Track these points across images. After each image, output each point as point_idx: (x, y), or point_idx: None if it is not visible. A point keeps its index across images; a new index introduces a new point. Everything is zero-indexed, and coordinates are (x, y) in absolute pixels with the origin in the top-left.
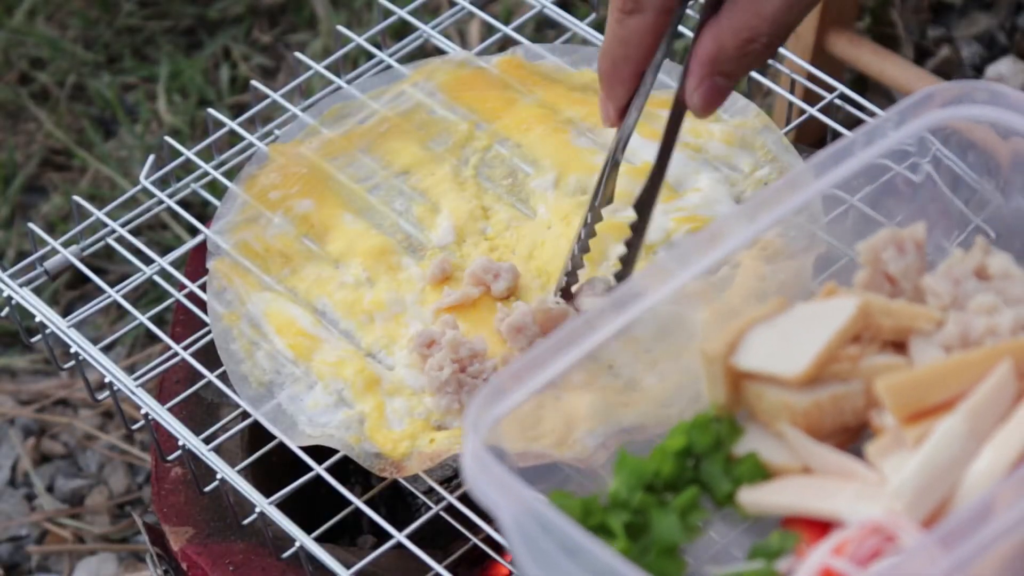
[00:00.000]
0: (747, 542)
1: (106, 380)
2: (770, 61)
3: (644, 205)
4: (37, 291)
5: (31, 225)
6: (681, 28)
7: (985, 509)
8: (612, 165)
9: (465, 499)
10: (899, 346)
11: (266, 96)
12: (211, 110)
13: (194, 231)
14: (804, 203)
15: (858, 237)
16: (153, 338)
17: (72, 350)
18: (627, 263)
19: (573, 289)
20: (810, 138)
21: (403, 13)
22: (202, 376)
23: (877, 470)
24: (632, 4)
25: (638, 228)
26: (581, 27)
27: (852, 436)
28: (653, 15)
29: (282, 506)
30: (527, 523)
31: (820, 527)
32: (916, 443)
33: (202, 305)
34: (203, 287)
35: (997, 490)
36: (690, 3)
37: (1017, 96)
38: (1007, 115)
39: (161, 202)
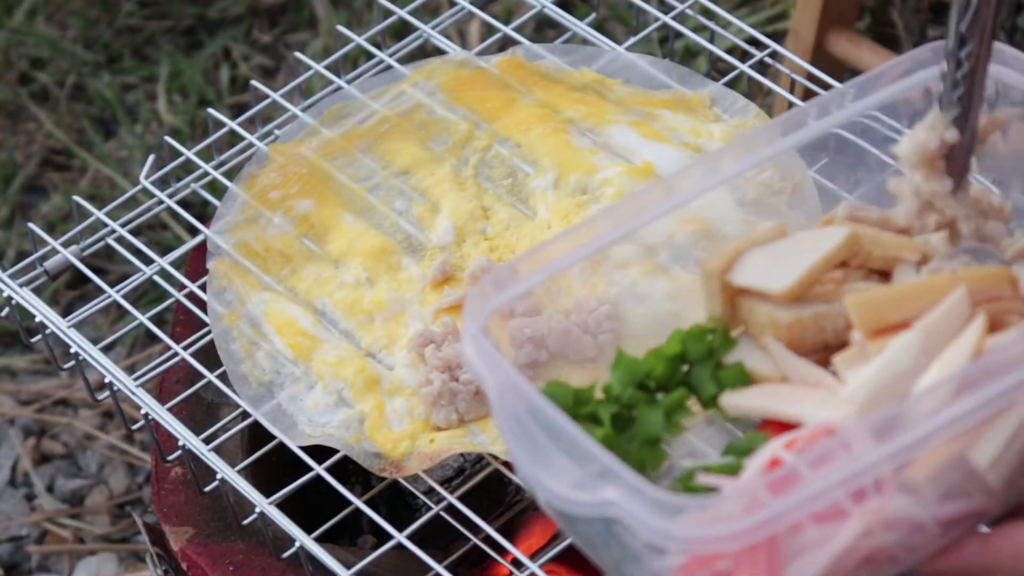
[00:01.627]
0: (724, 443)
1: (106, 380)
2: (770, 61)
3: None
4: (37, 291)
5: (31, 225)
6: (681, 28)
7: (921, 409)
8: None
9: (465, 499)
10: (885, 276)
11: (266, 96)
12: (211, 110)
13: (194, 231)
14: (760, 162)
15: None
16: (153, 338)
17: (72, 350)
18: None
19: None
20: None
21: (403, 13)
22: (202, 376)
23: (843, 381)
24: None
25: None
26: (581, 27)
27: (832, 354)
28: None
29: (282, 506)
30: (512, 400)
31: (789, 430)
32: (877, 355)
33: (202, 305)
34: (203, 287)
35: (935, 394)
36: None
37: (1013, 52)
38: (1003, 71)
39: (161, 202)
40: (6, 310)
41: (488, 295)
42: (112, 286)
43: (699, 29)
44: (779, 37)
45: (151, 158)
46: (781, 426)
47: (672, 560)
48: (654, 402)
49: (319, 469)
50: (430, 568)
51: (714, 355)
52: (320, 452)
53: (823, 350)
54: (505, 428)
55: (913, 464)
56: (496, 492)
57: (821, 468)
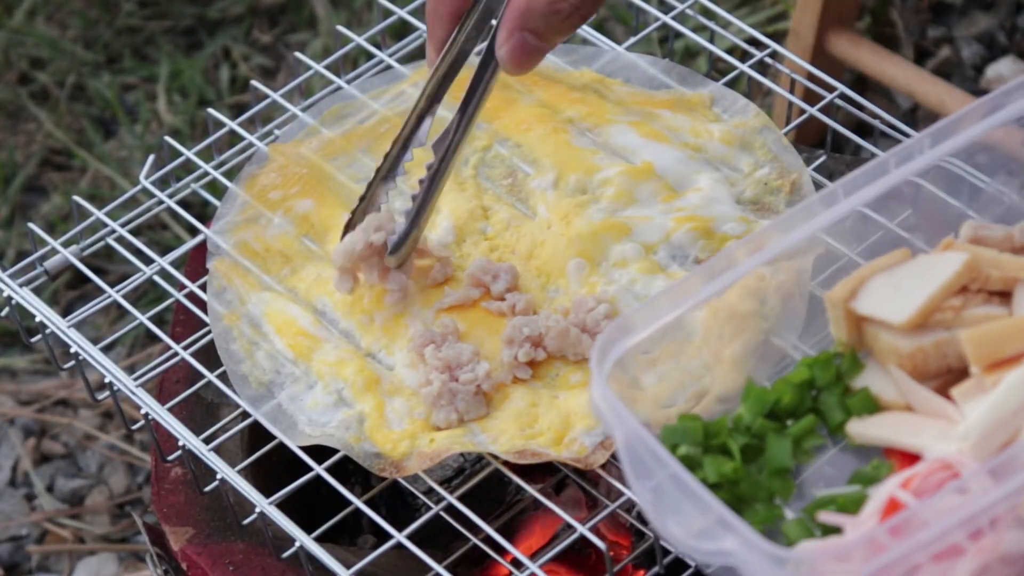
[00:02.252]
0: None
1: (106, 380)
2: (770, 61)
3: (446, 146)
4: (37, 291)
5: (31, 225)
6: (681, 28)
7: None
8: (425, 107)
9: (465, 499)
10: (1006, 296)
11: (266, 96)
12: (211, 110)
13: (194, 231)
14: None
15: (857, 238)
16: (153, 338)
17: (72, 350)
18: (421, 204)
19: (357, 226)
20: (810, 138)
21: (403, 13)
22: (202, 376)
23: (961, 412)
24: None
25: (437, 170)
26: (581, 27)
27: (956, 379)
28: None
29: (282, 506)
30: (638, 448)
31: (912, 460)
32: (993, 389)
33: (202, 305)
34: (203, 287)
35: None
36: None
37: None
38: None
39: (161, 202)
40: (6, 310)
41: (614, 342)
42: (112, 286)
43: (699, 29)
44: (779, 37)
45: (151, 158)
46: (904, 455)
47: None
48: (783, 431)
49: (319, 469)
50: (430, 568)
51: (842, 380)
52: (320, 452)
53: (947, 373)
54: (632, 475)
55: None
56: (496, 492)
57: (940, 511)
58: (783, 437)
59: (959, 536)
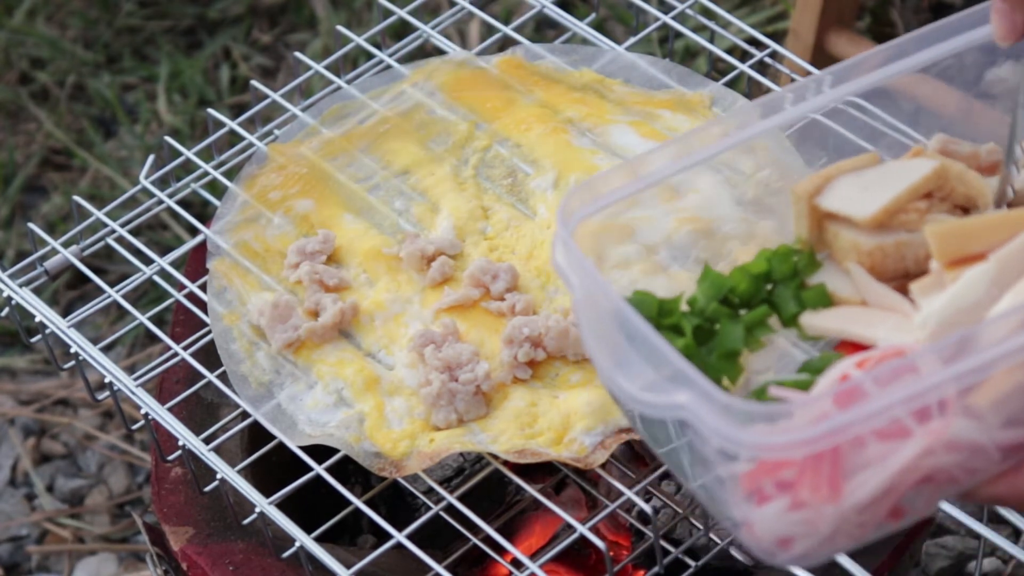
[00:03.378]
0: (799, 361)
1: (106, 380)
2: (769, 61)
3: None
4: (37, 291)
5: (31, 225)
6: (681, 28)
7: (989, 336)
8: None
9: (465, 499)
10: (967, 212)
11: (266, 96)
12: (211, 110)
13: (194, 231)
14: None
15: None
16: (153, 338)
17: (72, 350)
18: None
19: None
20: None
21: (403, 13)
22: (202, 376)
23: (918, 307)
24: None
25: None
26: (581, 27)
27: (911, 283)
28: None
29: (282, 506)
30: (597, 302)
31: (864, 352)
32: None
33: (202, 305)
34: (203, 287)
35: (1003, 322)
36: None
37: None
38: None
39: (161, 202)
40: (6, 310)
41: (582, 201)
42: (112, 286)
43: (699, 29)
44: (779, 37)
45: (151, 158)
46: (856, 348)
47: (740, 466)
48: (736, 317)
49: (319, 469)
50: (430, 568)
51: (798, 276)
52: (320, 452)
53: (903, 278)
54: (587, 331)
55: (978, 389)
56: (496, 492)
57: (887, 385)
58: (736, 322)
59: (903, 412)
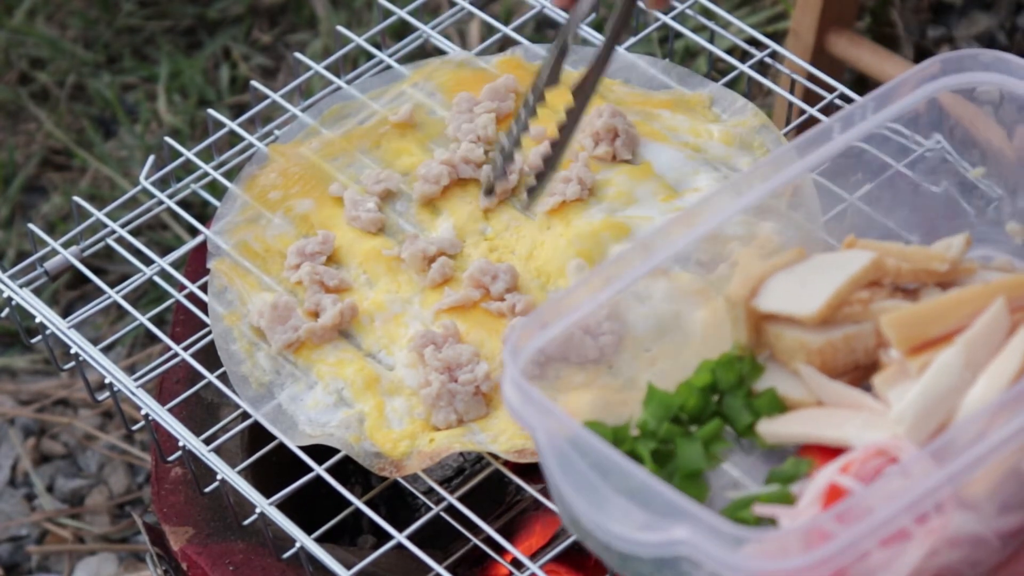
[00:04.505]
0: (763, 471)
1: (106, 380)
2: (770, 61)
3: (583, 90)
4: (37, 291)
5: (31, 225)
6: (681, 28)
7: (975, 428)
8: (561, 51)
9: (465, 499)
10: (910, 294)
11: (266, 96)
12: (211, 110)
13: (194, 231)
14: (788, 181)
15: (855, 235)
16: (153, 338)
17: (72, 350)
18: (558, 147)
19: (497, 189)
20: None
21: (403, 13)
22: (202, 376)
23: (883, 400)
24: None
25: (573, 114)
26: (581, 27)
27: (863, 374)
28: None
29: (282, 506)
30: (562, 444)
31: (832, 454)
32: (919, 373)
33: (202, 305)
34: (203, 287)
35: (988, 412)
36: None
37: (1020, 63)
38: (1011, 81)
39: (161, 202)
40: (6, 310)
41: (529, 335)
42: (112, 286)
43: (699, 29)
44: (779, 37)
45: (151, 158)
46: (823, 450)
47: None
48: (690, 435)
49: (319, 469)
50: (430, 568)
51: (744, 383)
52: (320, 452)
53: (854, 371)
54: (557, 473)
55: (971, 481)
56: (496, 492)
57: (885, 496)
58: (692, 440)
59: (906, 520)
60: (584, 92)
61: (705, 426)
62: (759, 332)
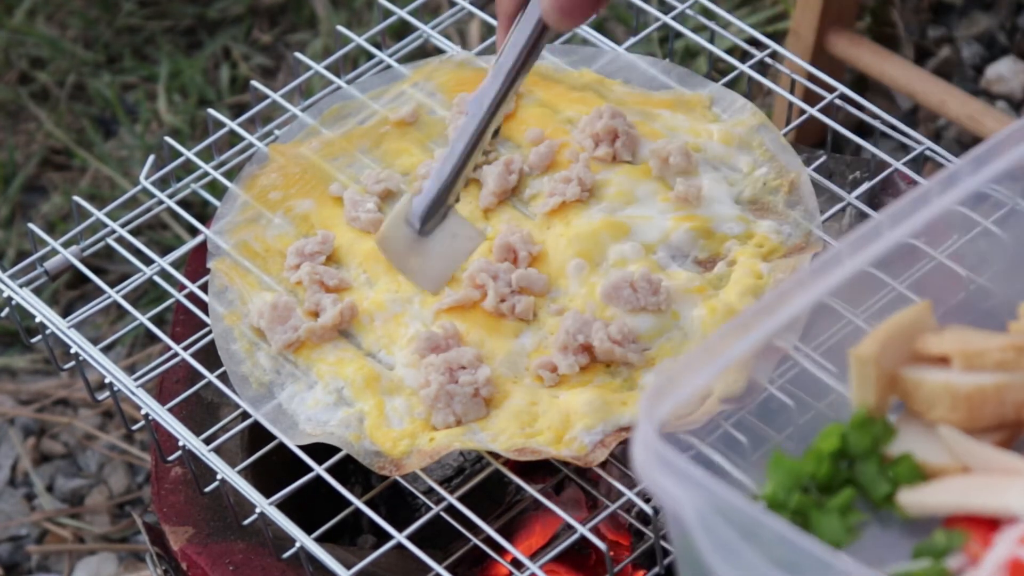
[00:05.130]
0: (901, 545)
1: (106, 380)
2: (770, 61)
3: (486, 107)
4: (37, 291)
5: (31, 225)
6: (681, 28)
7: None
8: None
9: (465, 499)
10: None
11: (266, 96)
12: (211, 110)
13: (194, 231)
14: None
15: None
16: (153, 338)
17: (72, 350)
18: (452, 165)
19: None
20: (810, 138)
21: (403, 13)
22: (202, 376)
23: None
24: None
25: (472, 131)
26: (581, 27)
27: (1008, 437)
28: None
29: (282, 506)
30: (708, 514)
31: (986, 525)
32: None
33: (202, 305)
34: (203, 287)
35: None
36: None
37: None
38: None
39: (161, 202)
40: (6, 310)
41: (665, 392)
42: (112, 286)
43: (699, 29)
44: (779, 37)
45: (151, 158)
46: (975, 522)
47: None
48: (823, 507)
49: (319, 469)
50: (430, 568)
51: (877, 448)
52: (320, 452)
53: (997, 429)
54: (709, 548)
55: None
56: (496, 492)
57: None
58: (828, 512)
59: None
60: (486, 112)
61: (837, 496)
62: (887, 390)
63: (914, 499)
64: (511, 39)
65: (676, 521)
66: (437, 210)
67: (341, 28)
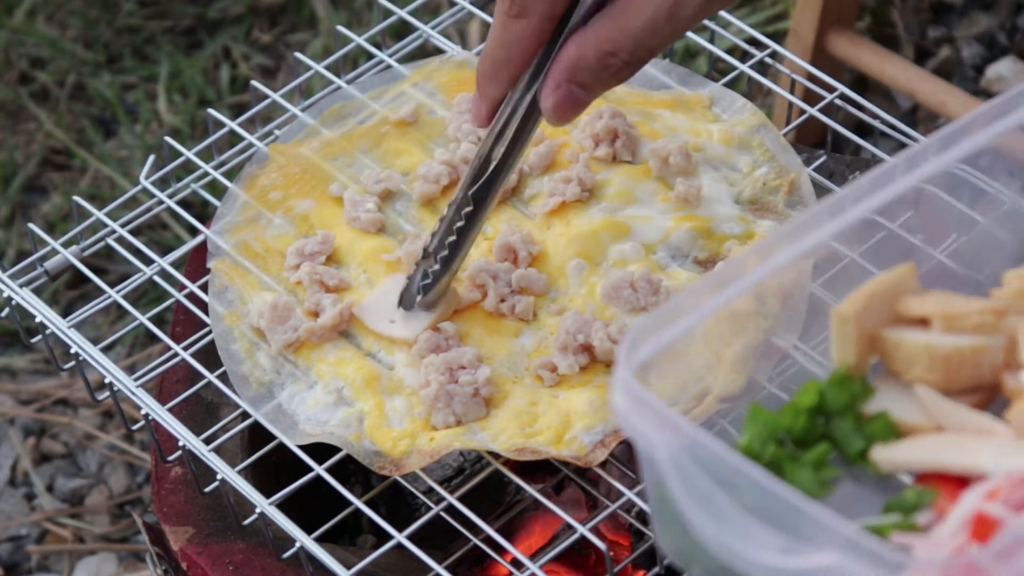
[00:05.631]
0: (873, 500)
1: (106, 380)
2: (770, 61)
3: (482, 196)
4: (37, 291)
5: (31, 225)
6: None
7: None
8: (482, 164)
9: (465, 499)
10: None
11: (266, 96)
12: (211, 110)
13: (194, 231)
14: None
15: (858, 238)
16: (153, 338)
17: (72, 350)
18: (453, 250)
19: (419, 300)
20: (810, 138)
21: (403, 13)
22: (202, 376)
23: (1015, 428)
24: (518, 8)
25: (472, 217)
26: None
27: (984, 399)
28: (537, 21)
29: (282, 506)
30: (682, 458)
31: (956, 483)
32: None
33: (202, 305)
34: (203, 287)
35: None
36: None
37: None
38: None
39: (161, 202)
40: (6, 310)
41: (647, 335)
42: (112, 286)
43: (699, 29)
44: (779, 37)
45: (151, 158)
46: (946, 480)
47: None
48: (798, 459)
49: (319, 469)
50: (430, 568)
51: (854, 405)
52: (320, 452)
53: (973, 392)
54: (679, 489)
55: None
56: (496, 492)
57: None
58: (802, 465)
59: None
60: (482, 200)
61: (813, 450)
62: (867, 350)
63: (887, 455)
64: (515, 133)
65: (650, 464)
66: (440, 292)
67: (341, 28)
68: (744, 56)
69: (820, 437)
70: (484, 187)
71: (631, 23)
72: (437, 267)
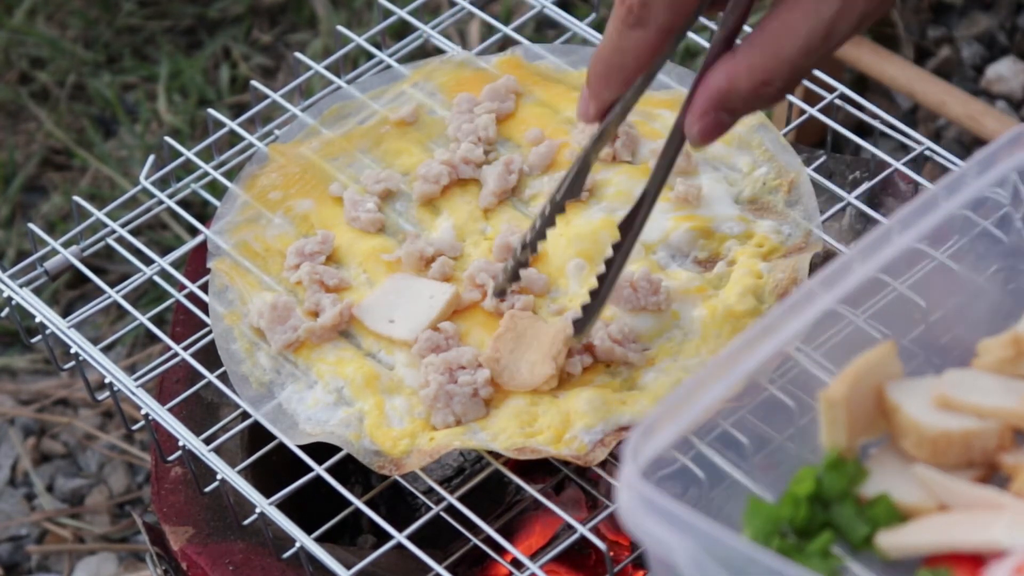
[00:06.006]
0: None
1: (106, 380)
2: None
3: (630, 226)
4: (37, 291)
5: (31, 225)
6: None
7: None
8: (583, 165)
9: (465, 499)
10: None
11: (266, 96)
12: (211, 110)
13: (194, 231)
14: (891, 261)
15: (855, 236)
16: (153, 338)
17: (72, 350)
18: (606, 282)
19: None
20: (810, 138)
21: (403, 13)
22: (202, 376)
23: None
24: (635, 18)
25: (620, 249)
26: (581, 27)
27: (984, 474)
28: (655, 33)
29: (282, 506)
30: (704, 559)
31: (970, 561)
32: None
33: (202, 305)
34: (203, 287)
35: None
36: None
37: None
38: None
39: (161, 202)
40: (6, 310)
41: (652, 433)
42: (112, 286)
43: (699, 29)
44: None
45: (151, 158)
46: (958, 559)
47: None
48: (802, 551)
49: (319, 469)
50: (430, 568)
51: (851, 489)
52: (320, 452)
53: (966, 468)
54: None
55: None
56: (496, 492)
57: None
58: (808, 557)
59: None
60: (631, 228)
61: (816, 540)
62: (857, 433)
63: (895, 541)
64: (660, 160)
65: (666, 568)
66: (592, 325)
67: (341, 28)
68: None
69: (822, 525)
70: (630, 217)
71: (786, 50)
72: (588, 302)
